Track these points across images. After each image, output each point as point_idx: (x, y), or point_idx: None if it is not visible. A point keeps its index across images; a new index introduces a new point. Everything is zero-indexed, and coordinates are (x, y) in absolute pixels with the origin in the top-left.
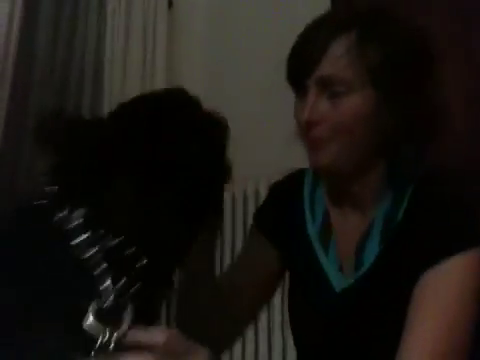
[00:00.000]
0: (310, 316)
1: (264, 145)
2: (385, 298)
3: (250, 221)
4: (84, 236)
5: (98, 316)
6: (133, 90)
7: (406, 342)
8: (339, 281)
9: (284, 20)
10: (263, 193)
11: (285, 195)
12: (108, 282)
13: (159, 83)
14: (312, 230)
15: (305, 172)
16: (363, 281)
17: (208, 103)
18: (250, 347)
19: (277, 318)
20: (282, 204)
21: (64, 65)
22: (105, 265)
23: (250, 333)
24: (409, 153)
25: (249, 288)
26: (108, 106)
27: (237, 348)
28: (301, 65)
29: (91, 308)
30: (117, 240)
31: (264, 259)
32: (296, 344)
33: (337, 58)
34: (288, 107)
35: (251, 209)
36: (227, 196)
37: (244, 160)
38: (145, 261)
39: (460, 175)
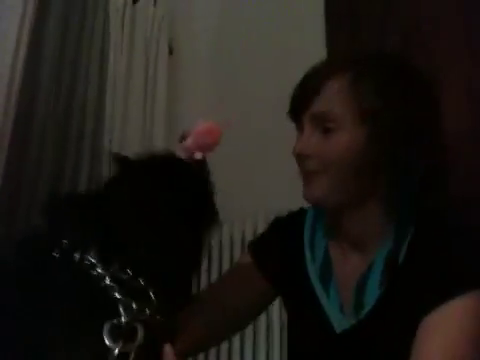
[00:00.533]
0: (310, 356)
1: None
2: (385, 340)
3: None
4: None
5: (113, 333)
6: (134, 131)
7: None
8: (340, 322)
9: (284, 64)
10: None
11: (286, 232)
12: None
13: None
14: (312, 270)
15: (307, 211)
16: (364, 323)
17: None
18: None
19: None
20: (282, 241)
21: (67, 103)
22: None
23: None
24: (405, 192)
25: (228, 309)
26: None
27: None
28: (298, 102)
29: (107, 327)
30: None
31: (251, 288)
32: None
33: (330, 96)
34: (288, 149)
35: (237, 253)
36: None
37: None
38: (153, 293)
39: (461, 211)
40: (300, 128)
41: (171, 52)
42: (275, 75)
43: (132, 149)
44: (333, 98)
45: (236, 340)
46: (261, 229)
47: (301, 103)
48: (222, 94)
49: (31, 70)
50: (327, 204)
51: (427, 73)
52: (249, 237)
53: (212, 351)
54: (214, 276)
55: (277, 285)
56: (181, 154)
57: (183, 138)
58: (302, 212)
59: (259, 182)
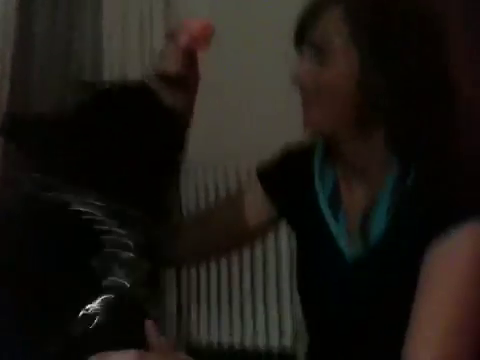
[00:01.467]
0: (321, 285)
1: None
2: (396, 269)
3: None
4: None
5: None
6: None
7: (416, 321)
8: (350, 250)
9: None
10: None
11: (296, 160)
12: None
13: None
14: (322, 198)
15: (316, 144)
16: (373, 251)
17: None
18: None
19: (286, 289)
20: (291, 168)
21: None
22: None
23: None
24: (407, 120)
25: (229, 225)
26: None
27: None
28: (299, 31)
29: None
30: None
31: (255, 211)
32: (304, 311)
33: (325, 25)
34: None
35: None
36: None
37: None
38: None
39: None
40: (301, 54)
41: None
42: (273, 20)
43: None
44: (327, 27)
45: (246, 269)
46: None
47: (301, 32)
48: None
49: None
50: (325, 132)
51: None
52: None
53: (224, 279)
54: None
55: (285, 211)
56: (172, 53)
57: (171, 36)
58: (313, 143)
59: (257, 122)
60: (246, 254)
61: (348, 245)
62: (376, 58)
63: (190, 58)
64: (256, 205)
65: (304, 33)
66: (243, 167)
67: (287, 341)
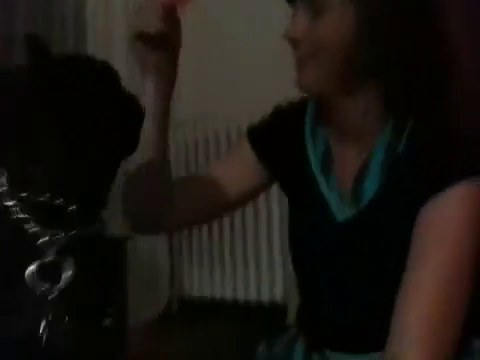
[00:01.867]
0: (311, 246)
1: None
2: (385, 230)
3: None
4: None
5: (40, 272)
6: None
7: (406, 285)
8: (341, 211)
9: None
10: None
11: (287, 120)
12: (46, 238)
13: None
14: (313, 159)
15: (308, 103)
16: (364, 213)
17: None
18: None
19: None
20: (283, 128)
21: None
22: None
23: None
24: (401, 78)
25: (223, 187)
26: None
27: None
28: None
29: (33, 267)
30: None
31: (247, 173)
32: (296, 270)
33: None
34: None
35: None
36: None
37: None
38: (75, 207)
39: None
40: (294, 12)
41: None
42: None
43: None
44: None
45: (238, 224)
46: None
47: None
48: None
49: None
50: (319, 92)
51: None
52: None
53: (215, 234)
54: None
55: (276, 172)
56: (151, 11)
57: None
58: (304, 102)
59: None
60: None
61: (339, 206)
62: (373, 10)
63: (170, 16)
64: (248, 168)
65: None
66: (234, 125)
67: (278, 294)
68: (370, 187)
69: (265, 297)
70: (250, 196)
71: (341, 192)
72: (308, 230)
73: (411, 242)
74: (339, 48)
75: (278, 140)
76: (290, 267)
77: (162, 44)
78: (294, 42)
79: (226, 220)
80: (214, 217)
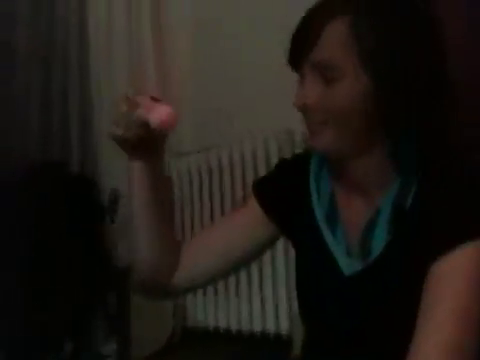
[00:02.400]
0: (318, 298)
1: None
2: (395, 286)
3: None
4: None
5: None
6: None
7: (418, 337)
8: (348, 265)
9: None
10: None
11: (291, 174)
12: None
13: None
14: (319, 212)
15: (312, 154)
16: (372, 268)
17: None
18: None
19: (281, 274)
20: (287, 182)
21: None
22: None
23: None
24: (411, 136)
25: (232, 247)
26: (95, 76)
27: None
28: (297, 50)
29: None
30: None
31: (254, 229)
32: (302, 316)
33: (329, 43)
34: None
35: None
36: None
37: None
38: None
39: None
40: (301, 77)
41: None
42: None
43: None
44: (333, 44)
45: (243, 277)
46: (260, 152)
47: (300, 51)
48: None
49: None
50: (333, 155)
51: (428, 9)
52: (248, 159)
53: (221, 288)
54: (216, 200)
55: (282, 225)
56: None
57: (128, 101)
58: (307, 155)
59: (257, 104)
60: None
61: (345, 260)
62: (388, 73)
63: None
64: (255, 223)
65: (303, 52)
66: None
67: (283, 326)
68: (378, 242)
69: (270, 328)
70: (259, 251)
71: (348, 244)
72: (314, 281)
73: (423, 296)
74: (354, 113)
75: (283, 193)
76: (295, 299)
77: (141, 144)
78: (305, 109)
79: None
80: (224, 274)
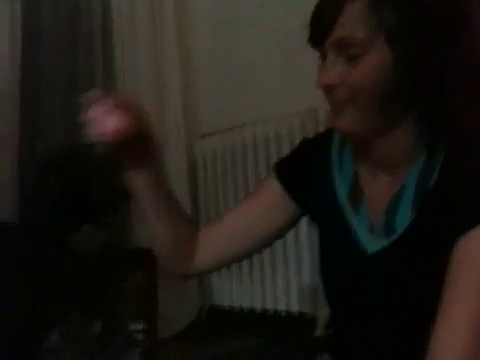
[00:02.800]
0: (341, 274)
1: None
2: (419, 263)
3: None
4: None
5: None
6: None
7: (442, 317)
8: (371, 243)
9: None
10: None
11: (313, 154)
12: None
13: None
14: (342, 191)
15: (334, 132)
16: (396, 245)
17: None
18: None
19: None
20: (309, 162)
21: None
22: None
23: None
24: (435, 111)
25: (254, 227)
26: (119, 61)
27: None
28: (318, 29)
29: None
30: None
31: (276, 209)
32: (329, 302)
33: (350, 20)
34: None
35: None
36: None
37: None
38: None
39: None
40: (322, 56)
41: None
42: None
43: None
44: (354, 21)
45: (267, 257)
46: (284, 130)
47: (321, 30)
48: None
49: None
50: (357, 134)
51: None
52: (272, 138)
53: (244, 271)
54: (240, 180)
55: (305, 206)
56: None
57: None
58: (329, 134)
59: (280, 83)
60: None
61: (368, 238)
62: (410, 55)
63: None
64: (277, 202)
65: (324, 31)
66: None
67: (308, 305)
68: (402, 220)
69: (294, 308)
70: (281, 232)
71: (371, 223)
72: (338, 261)
73: (447, 274)
74: (378, 90)
75: (306, 173)
76: (319, 279)
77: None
78: (328, 88)
79: None
80: (246, 256)
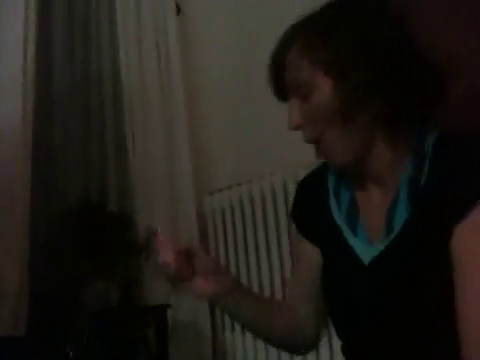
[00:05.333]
0: (341, 289)
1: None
2: (416, 260)
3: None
4: None
5: None
6: (153, 101)
7: (461, 296)
8: (366, 253)
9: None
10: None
11: (311, 188)
12: None
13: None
14: (338, 216)
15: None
16: (392, 246)
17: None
18: None
19: None
20: (310, 198)
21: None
22: None
23: None
24: (403, 119)
25: (311, 295)
26: (130, 124)
27: None
28: (274, 82)
29: None
30: None
31: (313, 259)
32: (333, 321)
33: (294, 65)
34: None
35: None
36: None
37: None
38: None
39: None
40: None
41: (179, 12)
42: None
43: (152, 112)
44: (296, 66)
45: (279, 291)
46: (291, 184)
47: (276, 82)
48: (237, 46)
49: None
50: (343, 162)
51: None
52: (279, 191)
53: None
54: (249, 233)
55: (315, 240)
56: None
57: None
58: (324, 165)
59: (287, 136)
60: (277, 278)
61: (364, 249)
62: (345, 72)
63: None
64: (310, 252)
65: (279, 79)
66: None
67: None
68: (398, 221)
69: None
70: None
71: (372, 236)
72: (337, 277)
73: (454, 258)
74: (336, 116)
75: (308, 210)
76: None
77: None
78: (297, 128)
79: (267, 290)
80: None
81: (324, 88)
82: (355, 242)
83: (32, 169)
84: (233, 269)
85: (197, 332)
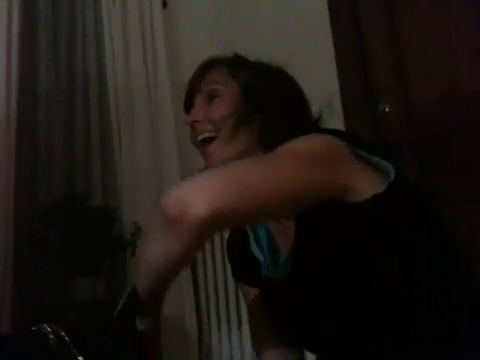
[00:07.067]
0: (283, 317)
1: None
2: (317, 259)
3: None
4: None
5: None
6: (139, 95)
7: None
8: (273, 270)
9: (284, 26)
10: None
11: (235, 241)
12: None
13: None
14: (261, 256)
15: None
16: (296, 258)
17: None
18: None
19: None
20: (236, 251)
21: (68, 78)
22: None
23: None
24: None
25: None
26: (115, 119)
27: None
28: (191, 90)
29: None
30: None
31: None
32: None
33: (212, 78)
34: None
35: None
36: None
37: None
38: None
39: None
40: (190, 109)
41: (165, 5)
42: (275, 33)
43: (138, 108)
44: (214, 79)
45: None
46: None
47: (193, 90)
48: (221, 44)
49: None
50: (225, 161)
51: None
52: None
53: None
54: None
55: (253, 284)
56: None
57: None
58: None
59: None
60: None
61: (270, 267)
62: (248, 77)
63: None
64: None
65: (196, 87)
66: None
67: None
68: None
69: None
70: None
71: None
72: (272, 307)
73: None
74: (230, 118)
75: (237, 260)
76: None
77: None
78: (194, 123)
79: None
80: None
81: (231, 96)
82: (264, 264)
83: (16, 165)
84: (219, 264)
85: (183, 326)
